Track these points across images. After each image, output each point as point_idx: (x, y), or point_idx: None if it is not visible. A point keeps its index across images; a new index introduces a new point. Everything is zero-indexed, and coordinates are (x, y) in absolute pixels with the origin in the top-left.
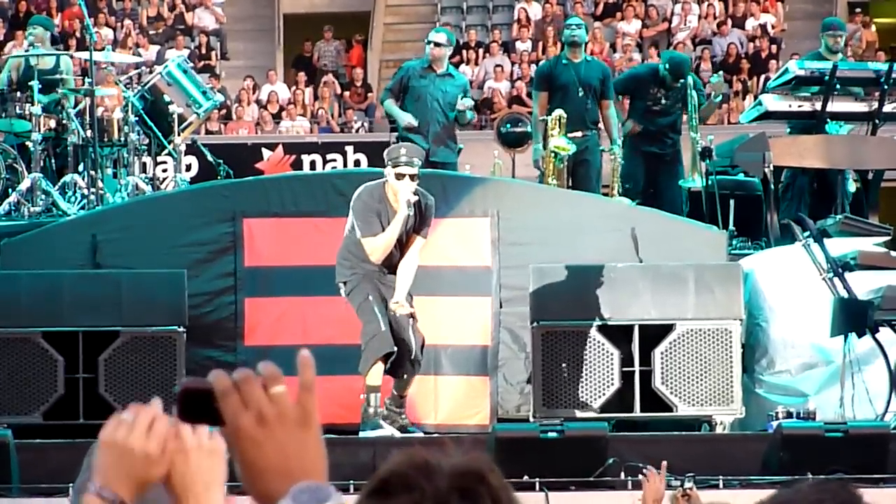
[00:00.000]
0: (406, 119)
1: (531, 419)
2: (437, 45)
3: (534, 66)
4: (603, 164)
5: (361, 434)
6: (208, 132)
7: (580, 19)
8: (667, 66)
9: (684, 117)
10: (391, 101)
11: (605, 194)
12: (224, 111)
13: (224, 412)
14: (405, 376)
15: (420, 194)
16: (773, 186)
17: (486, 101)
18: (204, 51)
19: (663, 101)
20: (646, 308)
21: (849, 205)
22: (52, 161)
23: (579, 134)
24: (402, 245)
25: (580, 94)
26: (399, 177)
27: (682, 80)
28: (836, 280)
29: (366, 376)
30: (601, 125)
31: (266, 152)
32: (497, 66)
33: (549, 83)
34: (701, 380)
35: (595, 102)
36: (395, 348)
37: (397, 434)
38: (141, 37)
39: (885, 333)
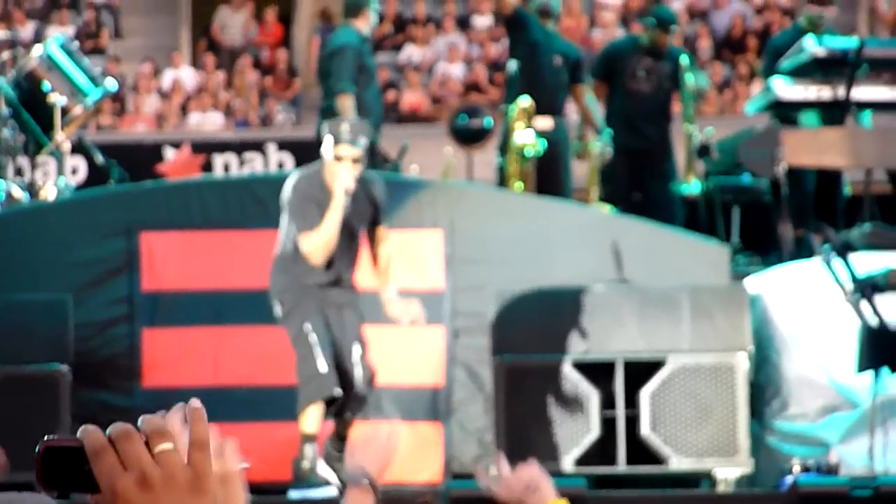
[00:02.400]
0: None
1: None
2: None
3: (495, 46)
4: (573, 161)
5: (292, 494)
6: (98, 128)
7: None
8: (652, 17)
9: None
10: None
11: (581, 200)
12: (118, 102)
13: (98, 475)
14: (348, 414)
15: (365, 180)
16: (785, 190)
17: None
18: (93, 28)
19: (648, 78)
20: (631, 339)
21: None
22: None
23: (549, 123)
24: (350, 240)
25: (556, 67)
26: (338, 158)
27: (671, 27)
28: (863, 304)
29: (300, 423)
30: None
31: (169, 152)
32: (451, 45)
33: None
34: (699, 426)
35: (568, 85)
36: (339, 391)
37: (335, 489)
38: (16, 10)
39: None
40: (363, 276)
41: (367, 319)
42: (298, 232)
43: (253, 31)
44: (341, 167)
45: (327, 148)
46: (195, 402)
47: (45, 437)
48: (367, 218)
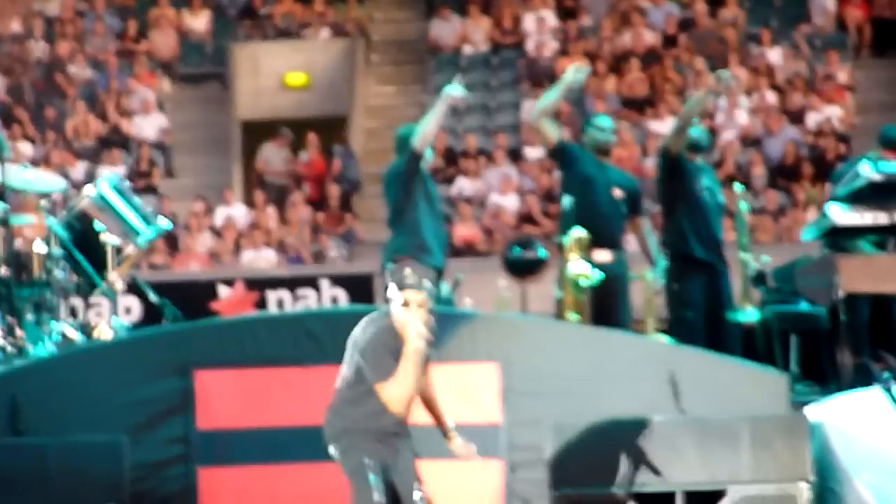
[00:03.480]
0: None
1: None
2: None
3: (547, 177)
4: (633, 292)
5: None
6: (152, 267)
7: (610, 120)
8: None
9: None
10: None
11: (638, 331)
12: (170, 240)
13: None
14: None
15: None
16: (843, 317)
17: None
18: (144, 167)
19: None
20: (691, 470)
21: None
22: None
23: (608, 256)
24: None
25: (614, 199)
26: (406, 304)
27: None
28: None
29: None
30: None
31: (223, 290)
32: (503, 177)
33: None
34: None
35: (626, 216)
36: None
37: None
38: (67, 152)
39: None
40: (416, 411)
41: (423, 455)
42: (375, 381)
43: (292, 164)
44: (408, 313)
45: (393, 295)
46: None
47: None
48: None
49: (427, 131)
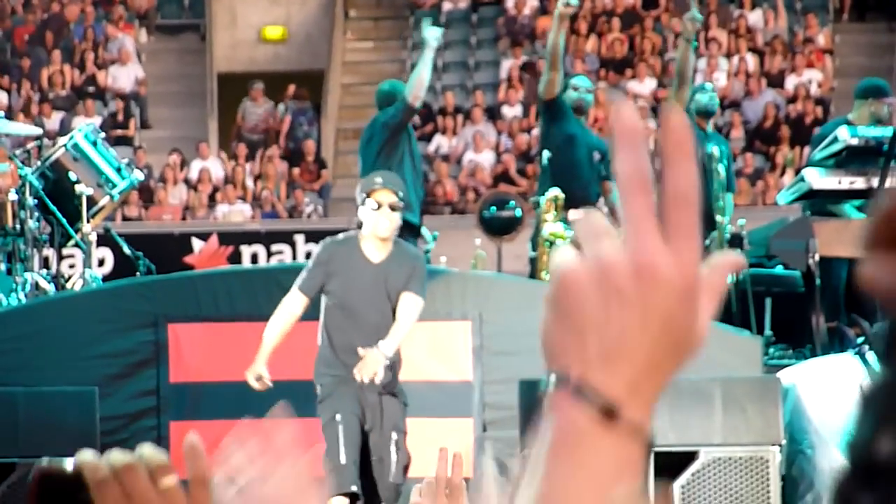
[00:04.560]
0: None
1: None
2: None
3: (524, 136)
4: None
5: None
6: (125, 219)
7: (588, 80)
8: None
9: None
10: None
11: None
12: (145, 192)
13: None
14: (381, 502)
15: (400, 246)
16: (818, 281)
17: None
18: (120, 118)
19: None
20: (662, 432)
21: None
22: None
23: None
24: (385, 306)
25: (592, 160)
26: (378, 206)
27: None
28: None
29: None
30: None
31: (197, 243)
32: (479, 134)
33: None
34: None
35: (600, 178)
36: (356, 488)
37: None
38: (42, 102)
39: None
40: (406, 368)
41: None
42: (297, 287)
43: (273, 122)
44: (379, 214)
45: (363, 206)
46: (192, 438)
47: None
48: (402, 284)
49: (421, 83)
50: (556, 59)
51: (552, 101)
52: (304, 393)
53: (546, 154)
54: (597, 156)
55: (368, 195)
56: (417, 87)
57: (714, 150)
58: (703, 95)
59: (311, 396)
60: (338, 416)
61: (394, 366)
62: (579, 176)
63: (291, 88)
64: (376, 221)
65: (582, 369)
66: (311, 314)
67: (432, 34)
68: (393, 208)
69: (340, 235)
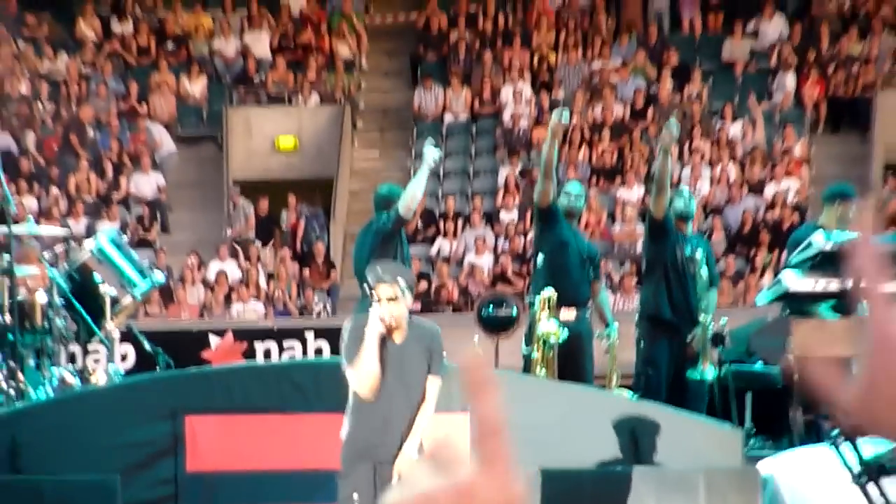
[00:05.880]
0: None
1: None
2: None
3: (520, 239)
4: (596, 350)
5: None
6: (146, 316)
7: (580, 186)
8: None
9: None
10: None
11: (602, 385)
12: (165, 292)
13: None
14: None
15: (420, 327)
16: (796, 377)
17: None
18: (143, 223)
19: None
20: None
21: None
22: None
23: (573, 314)
24: (406, 390)
25: (582, 263)
26: (378, 300)
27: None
28: (870, 486)
29: None
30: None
31: (213, 339)
32: (478, 238)
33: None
34: None
35: (589, 279)
36: None
37: None
38: (69, 207)
39: None
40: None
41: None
42: (346, 366)
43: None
44: (377, 306)
45: (369, 292)
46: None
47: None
48: (423, 368)
49: (413, 198)
50: (549, 170)
51: (546, 209)
52: (324, 482)
53: (541, 257)
54: (584, 257)
55: (372, 289)
56: (409, 201)
57: (696, 252)
58: (680, 200)
59: (333, 486)
60: (355, 496)
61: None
62: (570, 277)
63: (292, 198)
64: (380, 314)
65: None
66: (332, 407)
67: (430, 154)
68: (392, 300)
69: (366, 317)
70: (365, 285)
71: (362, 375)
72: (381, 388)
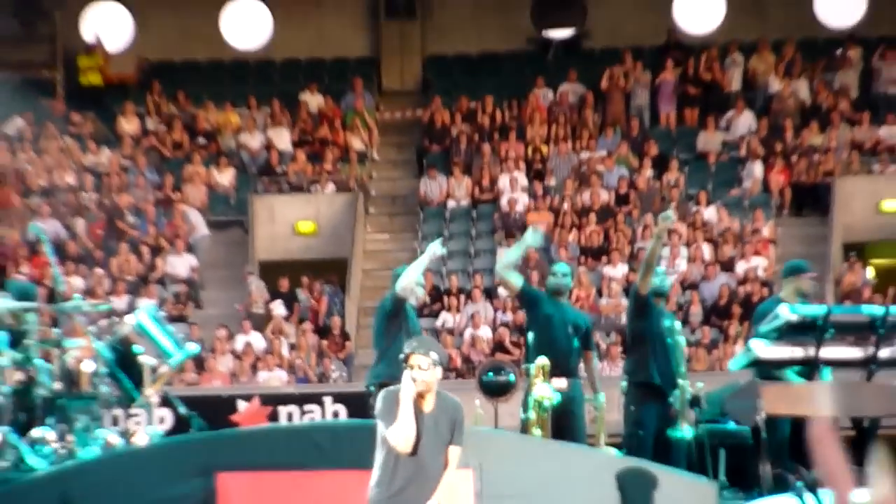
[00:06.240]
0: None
1: None
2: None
3: (519, 313)
4: (586, 413)
5: None
6: (182, 383)
7: (567, 266)
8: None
9: None
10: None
11: (591, 444)
12: (198, 361)
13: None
14: None
15: (446, 400)
16: (764, 435)
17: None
18: (177, 299)
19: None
20: None
21: None
22: (21, 414)
23: (564, 383)
24: (430, 458)
25: (568, 336)
26: (410, 367)
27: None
28: None
29: None
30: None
31: (241, 404)
32: (478, 312)
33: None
34: None
35: (580, 349)
36: None
37: None
38: (112, 285)
39: None
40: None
41: None
42: (384, 433)
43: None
44: (408, 373)
45: (404, 361)
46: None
47: None
48: (446, 438)
49: (408, 281)
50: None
51: (519, 295)
52: None
53: (531, 334)
54: (570, 330)
55: (406, 359)
56: (405, 283)
57: (675, 323)
58: (656, 278)
59: None
60: None
61: None
62: (558, 350)
63: (305, 278)
64: (412, 375)
65: None
66: (349, 464)
67: (432, 248)
68: (422, 368)
69: (396, 387)
70: (400, 356)
71: (401, 432)
72: (419, 448)
